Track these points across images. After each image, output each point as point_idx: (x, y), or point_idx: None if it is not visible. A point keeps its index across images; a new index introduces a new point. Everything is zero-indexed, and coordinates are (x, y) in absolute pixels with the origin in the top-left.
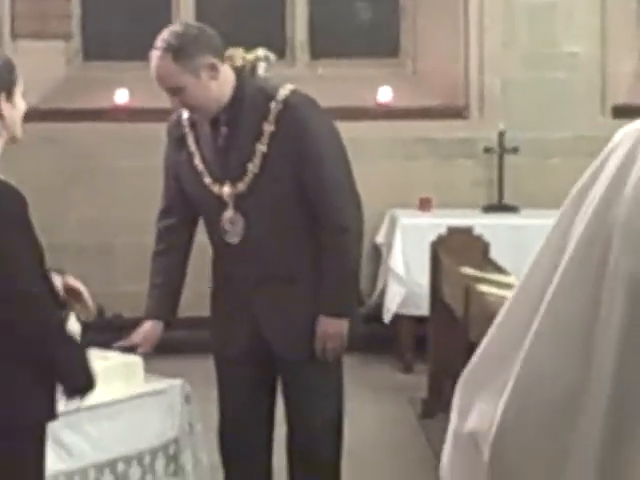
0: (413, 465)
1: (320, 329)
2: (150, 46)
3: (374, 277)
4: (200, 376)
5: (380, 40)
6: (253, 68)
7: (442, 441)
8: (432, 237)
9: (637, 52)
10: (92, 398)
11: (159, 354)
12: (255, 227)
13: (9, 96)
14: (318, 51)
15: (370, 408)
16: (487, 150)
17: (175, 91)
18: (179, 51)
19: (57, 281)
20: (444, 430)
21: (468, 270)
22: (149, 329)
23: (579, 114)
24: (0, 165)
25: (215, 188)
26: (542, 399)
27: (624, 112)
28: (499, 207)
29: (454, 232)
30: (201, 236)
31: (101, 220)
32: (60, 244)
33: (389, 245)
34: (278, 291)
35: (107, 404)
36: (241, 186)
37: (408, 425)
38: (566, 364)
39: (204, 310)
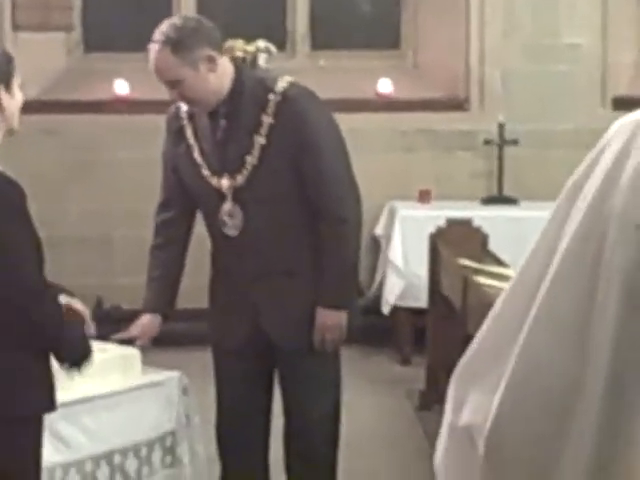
0: (410, 456)
1: (319, 321)
2: (151, 38)
3: (373, 269)
4: (198, 368)
5: (381, 32)
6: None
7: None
8: (431, 229)
9: (638, 44)
10: (89, 390)
11: (157, 346)
12: (254, 219)
13: (7, 87)
14: (318, 43)
15: (368, 400)
16: (487, 142)
17: (174, 84)
18: (177, 44)
19: (63, 300)
20: (441, 422)
21: (467, 262)
22: (147, 322)
23: (579, 106)
24: (2, 156)
25: (213, 180)
26: (539, 387)
27: (624, 104)
28: (498, 199)
29: (453, 224)
30: (200, 228)
31: (101, 212)
32: (60, 236)
33: (388, 237)
34: (277, 283)
35: (104, 396)
36: (240, 179)
37: (405, 417)
38: (562, 353)
39: (202, 302)
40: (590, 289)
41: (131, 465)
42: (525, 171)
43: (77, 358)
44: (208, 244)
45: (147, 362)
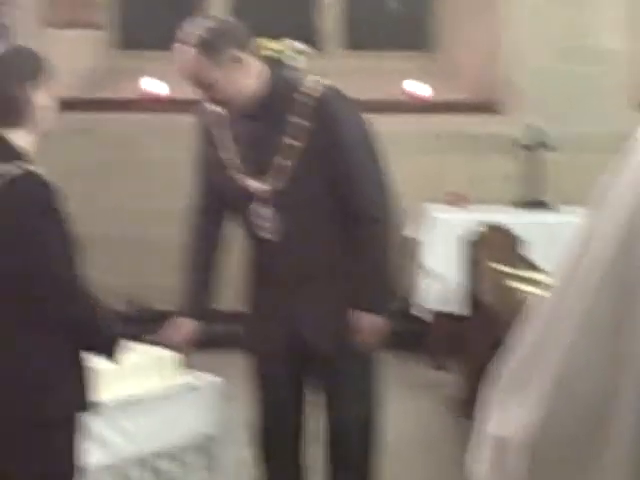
0: (446, 462)
1: (356, 324)
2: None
3: (406, 273)
4: (237, 371)
5: (412, 33)
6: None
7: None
8: (463, 232)
9: None
10: (128, 392)
11: (196, 348)
12: (289, 222)
13: (38, 86)
14: (349, 43)
15: (402, 405)
16: (519, 145)
17: (203, 85)
18: (205, 45)
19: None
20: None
21: (501, 267)
22: (184, 326)
23: (612, 108)
24: (33, 156)
25: (246, 182)
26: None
27: None
28: (531, 203)
29: (487, 228)
30: (239, 230)
31: (133, 211)
32: (91, 234)
33: (419, 240)
34: (313, 286)
35: (142, 398)
36: (273, 181)
37: (441, 423)
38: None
39: (242, 305)
40: (627, 295)
41: (169, 468)
42: (558, 174)
43: (108, 347)
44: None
45: (187, 364)
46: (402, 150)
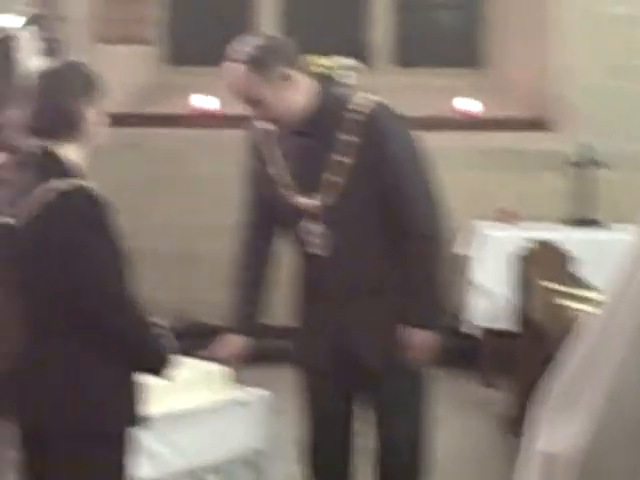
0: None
1: (407, 340)
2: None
3: (455, 289)
4: (286, 386)
5: (463, 49)
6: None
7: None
8: (514, 249)
9: None
10: (177, 405)
11: (246, 363)
12: (339, 238)
13: (91, 102)
14: (400, 59)
15: (452, 422)
16: (570, 162)
17: (253, 102)
18: (255, 62)
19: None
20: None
21: (551, 284)
22: (234, 342)
23: None
24: (84, 171)
25: (295, 199)
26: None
27: None
28: (581, 220)
29: (537, 245)
30: (287, 245)
31: (181, 226)
32: (139, 250)
33: (469, 257)
34: (362, 302)
35: (192, 412)
36: (322, 197)
37: (490, 440)
38: None
39: (291, 319)
40: None
41: None
42: (610, 192)
43: (158, 365)
44: (296, 260)
45: (235, 379)
46: (452, 167)
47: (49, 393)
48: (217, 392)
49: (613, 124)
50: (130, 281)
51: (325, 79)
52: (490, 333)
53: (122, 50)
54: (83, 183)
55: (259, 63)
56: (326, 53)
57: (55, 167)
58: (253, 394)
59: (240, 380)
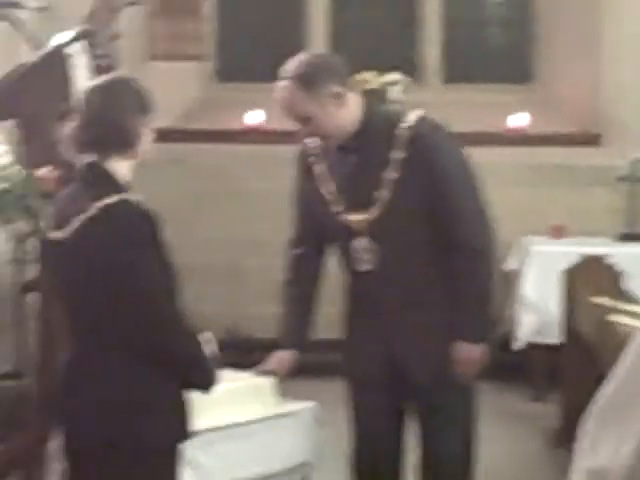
0: None
1: (456, 355)
2: (282, 68)
3: (504, 304)
4: (332, 399)
5: (512, 66)
6: (385, 92)
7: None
8: (564, 265)
9: None
10: (225, 418)
11: (292, 376)
12: (386, 254)
13: (143, 118)
14: (450, 75)
15: (500, 437)
16: (620, 178)
17: (302, 120)
18: (306, 81)
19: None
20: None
21: (601, 300)
22: (282, 358)
23: None
24: (132, 186)
25: (344, 216)
26: None
27: None
28: (633, 236)
29: (587, 261)
30: (333, 259)
31: (229, 241)
32: (187, 264)
33: (520, 272)
34: (411, 316)
35: (240, 425)
36: (371, 214)
37: (538, 455)
38: None
39: (337, 333)
40: None
41: None
42: None
43: (206, 382)
44: (343, 274)
45: (282, 392)
46: (502, 182)
47: (98, 407)
48: (264, 405)
49: None
50: (179, 296)
51: (374, 96)
52: (539, 348)
53: (172, 66)
54: (133, 198)
55: (309, 81)
56: (376, 70)
57: (105, 182)
58: (300, 406)
59: (286, 392)
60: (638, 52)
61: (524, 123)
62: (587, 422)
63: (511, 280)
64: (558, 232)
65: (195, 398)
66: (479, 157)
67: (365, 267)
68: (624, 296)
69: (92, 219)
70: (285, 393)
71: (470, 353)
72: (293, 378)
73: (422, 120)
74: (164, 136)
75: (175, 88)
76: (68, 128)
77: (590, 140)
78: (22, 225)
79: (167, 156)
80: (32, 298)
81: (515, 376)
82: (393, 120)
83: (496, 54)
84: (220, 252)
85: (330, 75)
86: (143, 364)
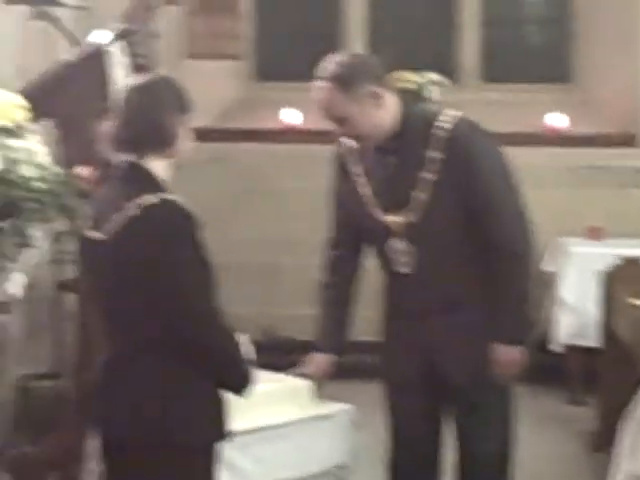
0: None
1: (495, 356)
2: (320, 67)
3: (541, 306)
4: (369, 401)
5: (551, 65)
6: (419, 92)
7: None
8: (602, 267)
9: None
10: (262, 420)
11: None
12: (425, 255)
13: (182, 117)
14: (488, 75)
15: (537, 439)
16: None
17: (340, 120)
18: (343, 81)
19: None
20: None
21: (638, 301)
22: (320, 362)
23: None
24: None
25: (382, 217)
26: None
27: None
28: None
29: (625, 262)
30: (371, 260)
31: (267, 241)
32: (225, 264)
33: (557, 274)
34: (450, 318)
35: (277, 426)
36: (409, 215)
37: (576, 458)
38: None
39: (373, 335)
40: None
41: None
42: None
43: (241, 384)
44: (378, 276)
45: (318, 394)
46: (540, 183)
47: (134, 408)
48: (301, 407)
49: None
50: (216, 296)
51: (411, 95)
52: (575, 350)
53: (210, 66)
54: (172, 197)
55: (346, 81)
56: (414, 69)
57: (144, 181)
58: (337, 408)
59: (323, 394)
60: None
61: (562, 123)
62: (626, 426)
63: (548, 282)
64: (595, 233)
65: (232, 399)
66: (516, 157)
67: (402, 269)
68: None
69: (132, 218)
70: (322, 395)
71: (508, 355)
72: (330, 381)
73: (459, 120)
74: (201, 135)
75: (213, 87)
76: (106, 127)
77: (628, 141)
78: (59, 225)
79: (204, 155)
80: (69, 298)
81: (552, 379)
82: (430, 120)
83: (534, 53)
84: (256, 252)
85: (367, 75)
86: (180, 364)
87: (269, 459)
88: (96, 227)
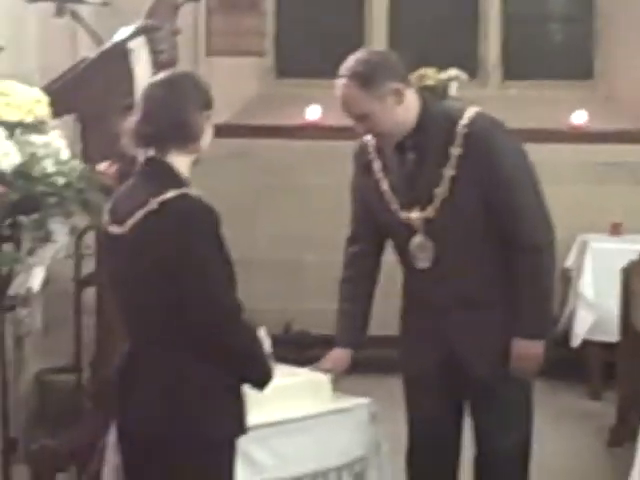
0: None
1: (516, 351)
2: (342, 64)
3: (563, 301)
4: (387, 395)
5: (573, 62)
6: (444, 88)
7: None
8: (622, 263)
9: None
10: (280, 413)
11: (348, 373)
12: (445, 251)
13: (207, 114)
14: (510, 72)
15: (556, 434)
16: None
17: (361, 118)
18: (365, 78)
19: None
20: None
21: None
22: (338, 356)
23: None
24: (192, 180)
25: (403, 214)
26: None
27: None
28: None
29: None
30: (388, 256)
31: (289, 236)
32: (248, 259)
33: (578, 270)
34: (471, 314)
35: (295, 420)
36: (430, 211)
37: (595, 453)
38: None
39: (391, 329)
40: None
41: None
42: None
43: (262, 379)
44: (398, 271)
45: (336, 388)
46: (560, 179)
47: (153, 402)
48: (320, 400)
49: None
50: (238, 291)
51: (433, 92)
52: (595, 345)
53: (231, 62)
54: (193, 192)
55: (367, 79)
56: (436, 66)
57: (166, 176)
58: (356, 402)
59: (341, 388)
60: None
61: (583, 120)
62: None
63: (569, 277)
64: (616, 229)
65: (251, 393)
66: (538, 154)
67: (421, 264)
68: None
69: (153, 213)
70: (341, 389)
71: (529, 349)
72: (349, 375)
73: (480, 117)
74: (223, 131)
75: (234, 84)
76: (129, 122)
77: None
78: (81, 219)
79: (226, 151)
80: (89, 293)
81: (571, 374)
82: (451, 117)
83: (557, 50)
84: (278, 247)
85: (389, 72)
86: (200, 358)
87: (288, 453)
88: (118, 222)
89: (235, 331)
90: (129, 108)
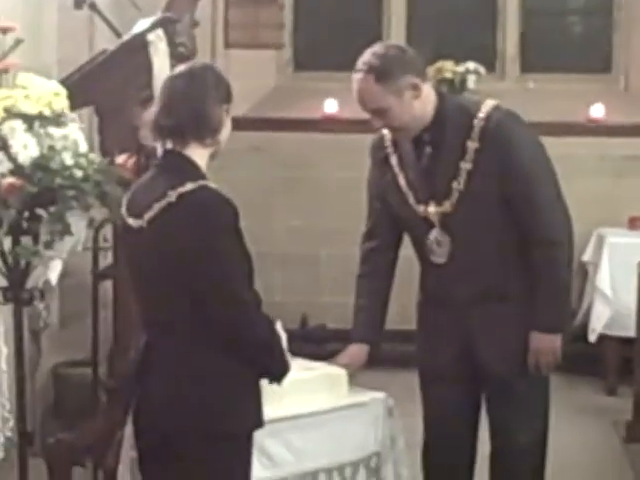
0: None
1: (533, 345)
2: (360, 57)
3: (580, 296)
4: (403, 390)
5: (592, 55)
6: (462, 81)
7: None
8: (638, 257)
9: None
10: (296, 407)
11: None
12: (462, 246)
13: (226, 106)
14: (528, 65)
15: (572, 429)
16: None
17: (378, 112)
18: (381, 72)
19: None
20: None
21: None
22: (355, 352)
23: None
24: (209, 174)
25: (420, 208)
26: None
27: None
28: None
29: None
30: (405, 250)
31: (307, 230)
32: (266, 252)
33: (596, 264)
34: (488, 308)
35: (311, 414)
36: (447, 205)
37: (611, 449)
38: None
39: (408, 324)
40: None
41: None
42: None
43: (280, 372)
44: (415, 265)
45: (353, 382)
46: (578, 172)
47: (170, 395)
48: (336, 395)
49: None
50: (255, 285)
51: (451, 85)
52: (612, 340)
53: (249, 55)
54: (212, 185)
55: (384, 73)
56: (455, 59)
57: (185, 169)
58: (371, 397)
59: (357, 382)
60: None
61: (601, 113)
62: None
63: (586, 271)
64: (634, 223)
65: (267, 387)
66: (556, 147)
67: (438, 259)
68: None
69: (171, 206)
70: (357, 383)
71: (547, 343)
72: (365, 369)
73: (497, 110)
74: (240, 124)
75: (251, 76)
76: (149, 114)
77: None
78: (99, 212)
79: (244, 144)
80: (106, 286)
81: (588, 369)
82: (468, 110)
83: (575, 43)
84: (295, 241)
85: (406, 67)
86: (217, 351)
87: (304, 447)
88: (136, 215)
89: (253, 324)
90: (147, 100)
